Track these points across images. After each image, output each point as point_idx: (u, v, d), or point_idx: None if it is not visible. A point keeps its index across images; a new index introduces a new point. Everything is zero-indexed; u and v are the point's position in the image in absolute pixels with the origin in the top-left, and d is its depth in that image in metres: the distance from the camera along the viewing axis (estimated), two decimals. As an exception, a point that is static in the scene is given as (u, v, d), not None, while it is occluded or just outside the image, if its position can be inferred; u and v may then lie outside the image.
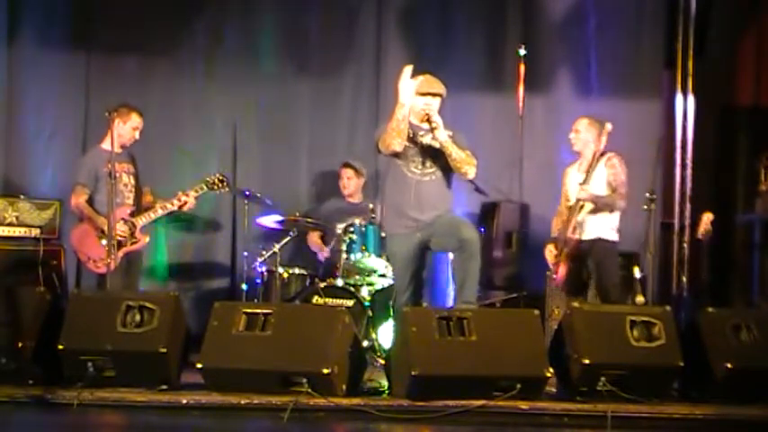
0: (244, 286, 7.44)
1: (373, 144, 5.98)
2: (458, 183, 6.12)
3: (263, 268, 7.37)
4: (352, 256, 7.16)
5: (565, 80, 8.45)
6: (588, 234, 6.64)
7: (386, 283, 7.12)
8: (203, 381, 5.29)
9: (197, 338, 5.43)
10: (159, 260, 7.97)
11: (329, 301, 7.00)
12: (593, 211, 6.62)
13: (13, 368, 5.37)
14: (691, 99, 7.62)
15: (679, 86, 7.66)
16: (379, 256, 7.14)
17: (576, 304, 5.70)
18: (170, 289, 7.67)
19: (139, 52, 8.15)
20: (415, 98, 5.83)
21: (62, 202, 7.29)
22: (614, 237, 6.68)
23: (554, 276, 6.79)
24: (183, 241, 8.13)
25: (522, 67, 7.47)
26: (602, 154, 6.64)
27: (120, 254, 6.69)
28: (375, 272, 7.21)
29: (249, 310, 5.39)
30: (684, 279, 7.39)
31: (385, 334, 6.90)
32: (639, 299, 7.02)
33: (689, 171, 7.54)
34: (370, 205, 7.33)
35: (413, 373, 5.05)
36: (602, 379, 5.20)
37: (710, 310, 5.62)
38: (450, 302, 6.90)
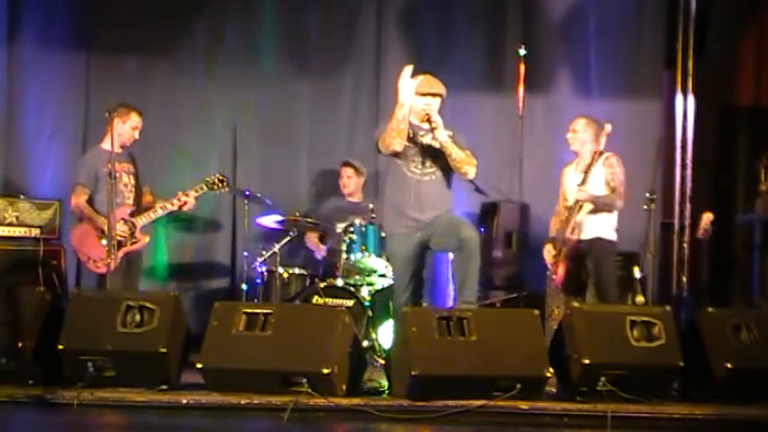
0: (244, 286, 7.44)
1: (373, 144, 5.98)
2: (458, 183, 6.11)
3: (263, 268, 7.37)
4: (352, 256, 7.16)
5: (565, 80, 8.45)
6: (587, 234, 6.64)
7: (386, 283, 7.12)
8: (203, 381, 5.29)
9: (197, 338, 5.43)
10: (159, 260, 7.97)
11: (329, 301, 7.00)
12: (593, 212, 6.62)
13: (13, 368, 5.37)
14: (691, 99, 7.63)
15: (679, 86, 7.67)
16: (379, 256, 7.14)
17: (575, 304, 5.71)
18: (170, 289, 7.67)
19: (139, 52, 8.16)
20: (415, 98, 5.83)
21: (62, 202, 7.29)
22: (613, 236, 6.68)
23: (554, 277, 6.79)
24: (183, 241, 8.13)
25: (522, 67, 7.47)
26: (600, 153, 6.64)
27: (120, 254, 6.70)
28: (375, 272, 7.21)
29: (249, 310, 5.39)
30: (684, 279, 7.40)
31: (385, 334, 6.90)
32: (639, 299, 7.03)
33: (689, 171, 7.55)
34: (370, 205, 7.33)
35: (413, 373, 5.05)
36: (602, 379, 5.20)
37: (710, 310, 5.62)
38: (450, 302, 6.90)
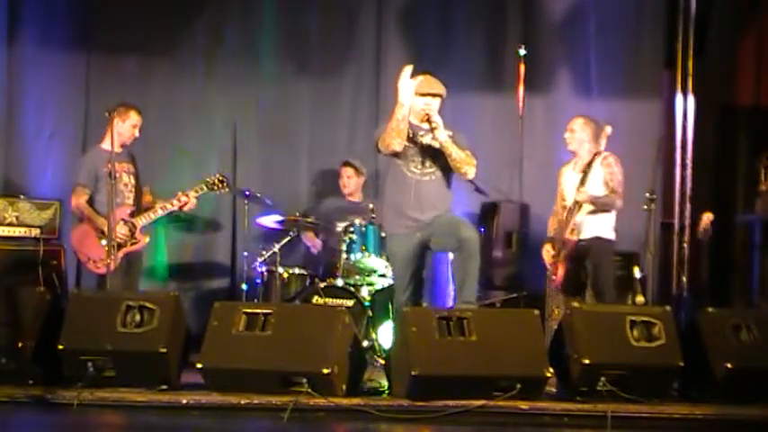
0: (244, 286, 7.44)
1: (373, 144, 5.98)
2: (458, 183, 6.11)
3: (263, 268, 7.38)
4: (352, 256, 7.16)
5: (565, 80, 8.45)
6: (586, 233, 6.63)
7: (386, 283, 7.12)
8: (203, 381, 5.29)
9: (197, 338, 5.43)
10: (159, 260, 7.97)
11: (329, 301, 7.00)
12: (592, 212, 6.62)
13: (13, 368, 5.37)
14: (691, 99, 7.63)
15: (679, 86, 7.66)
16: (379, 255, 7.14)
17: (575, 304, 5.70)
18: (170, 289, 7.67)
19: (139, 52, 8.16)
20: (415, 98, 5.83)
21: (62, 203, 7.29)
22: (612, 236, 6.67)
23: (553, 277, 6.79)
24: (183, 241, 8.13)
25: (522, 67, 7.46)
26: (597, 153, 6.63)
27: (120, 254, 6.69)
28: (375, 272, 7.21)
29: (249, 310, 5.39)
30: (684, 279, 7.40)
31: (385, 334, 6.90)
32: (639, 299, 7.03)
33: (689, 171, 7.55)
34: (370, 205, 7.33)
35: (413, 373, 5.05)
36: (602, 379, 5.20)
37: (710, 310, 5.62)
38: (450, 302, 6.90)
